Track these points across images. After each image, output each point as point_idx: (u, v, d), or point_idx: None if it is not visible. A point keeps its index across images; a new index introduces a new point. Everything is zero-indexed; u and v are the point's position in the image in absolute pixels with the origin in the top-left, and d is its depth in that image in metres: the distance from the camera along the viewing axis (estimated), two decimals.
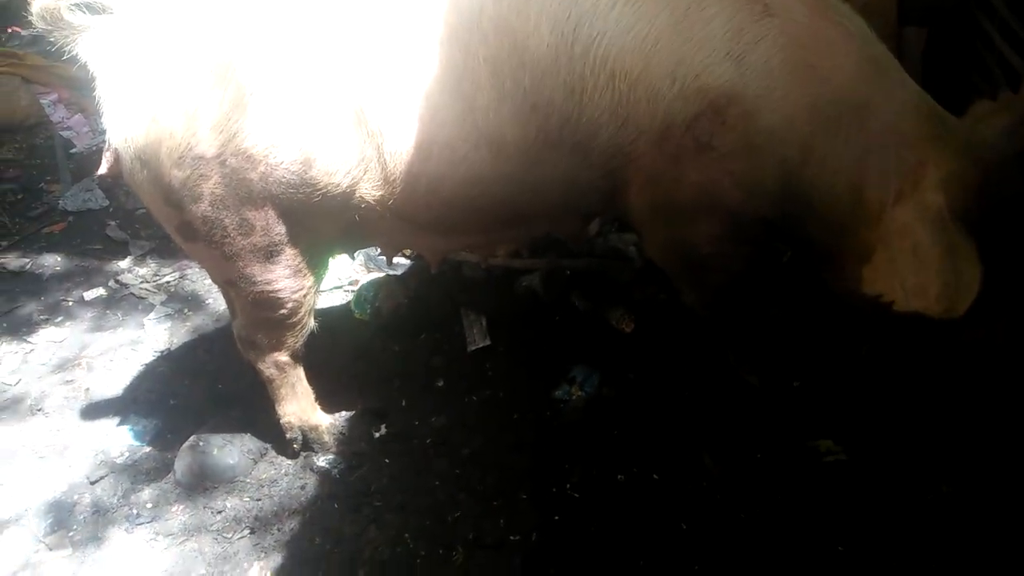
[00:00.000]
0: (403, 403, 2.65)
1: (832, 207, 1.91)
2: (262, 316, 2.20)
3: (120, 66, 1.86)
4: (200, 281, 3.40)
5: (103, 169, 2.02)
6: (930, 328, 1.85)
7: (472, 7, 1.86)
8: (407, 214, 2.09)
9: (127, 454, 2.59)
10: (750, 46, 1.81)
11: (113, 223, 3.79)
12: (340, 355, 2.83)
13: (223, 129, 1.84)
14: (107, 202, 3.93)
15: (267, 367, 2.35)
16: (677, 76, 1.84)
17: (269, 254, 2.04)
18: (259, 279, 2.08)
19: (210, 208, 1.92)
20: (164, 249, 3.60)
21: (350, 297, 3.12)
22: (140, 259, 3.57)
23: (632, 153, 1.95)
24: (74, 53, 1.88)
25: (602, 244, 3.06)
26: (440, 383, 2.71)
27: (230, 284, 2.18)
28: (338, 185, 1.95)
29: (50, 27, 1.85)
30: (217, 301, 3.26)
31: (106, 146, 1.99)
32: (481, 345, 2.79)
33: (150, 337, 3.11)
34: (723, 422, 2.40)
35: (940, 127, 1.85)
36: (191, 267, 3.47)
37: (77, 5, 1.85)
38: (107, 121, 1.89)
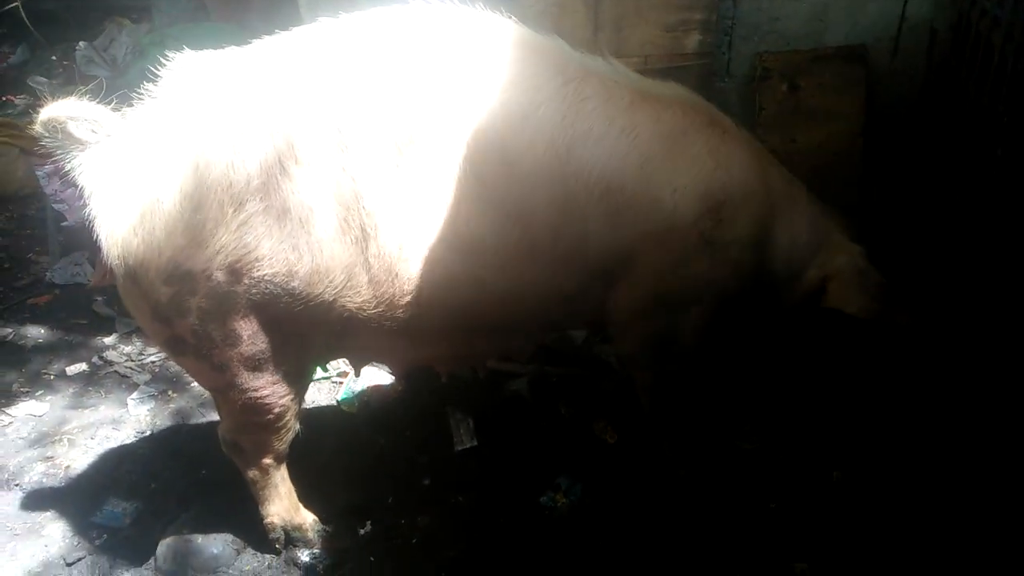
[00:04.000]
0: (389, 500, 2.67)
1: (771, 272, 2.37)
2: (249, 421, 2.22)
3: (110, 186, 1.90)
4: None
5: (96, 279, 2.06)
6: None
7: (462, 119, 1.99)
8: (386, 317, 2.13)
9: (106, 536, 2.55)
10: (729, 158, 2.19)
11: (100, 299, 3.80)
12: (326, 447, 2.85)
13: (208, 246, 1.88)
14: None
15: (251, 469, 2.37)
16: (677, 187, 2.12)
17: (257, 362, 2.07)
18: (248, 387, 2.10)
19: (198, 322, 1.95)
20: None
21: (338, 388, 3.17)
22: (126, 337, 3.57)
23: (630, 255, 2.15)
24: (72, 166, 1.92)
25: (587, 354, 3.19)
26: (426, 481, 2.74)
27: (218, 392, 2.22)
28: (321, 294, 2.00)
29: (51, 138, 1.89)
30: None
31: (100, 258, 1.98)
32: (468, 446, 2.85)
33: (132, 417, 3.10)
34: (705, 539, 2.48)
35: (834, 215, 2.45)
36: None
37: (83, 120, 1.90)
38: (100, 238, 1.91)
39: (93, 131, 1.92)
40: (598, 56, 2.20)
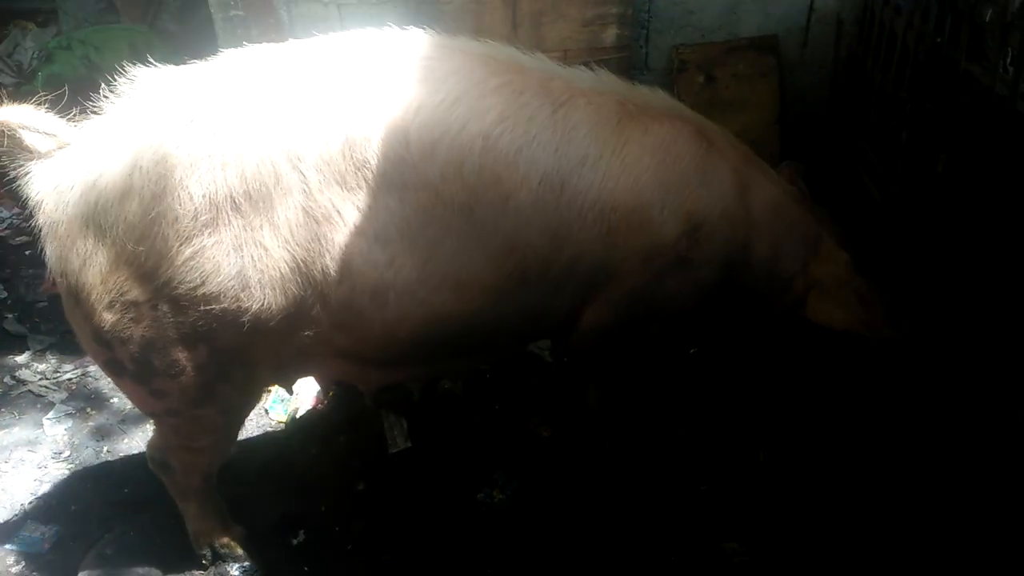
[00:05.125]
0: (322, 508, 2.63)
1: (753, 284, 2.38)
2: (183, 444, 2.16)
3: (57, 201, 1.83)
4: (103, 379, 3.28)
5: (46, 287, 2.00)
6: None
7: (451, 157, 1.90)
8: (355, 353, 2.08)
9: (24, 563, 2.44)
10: (711, 175, 2.18)
11: (11, 316, 3.62)
12: (256, 457, 2.79)
13: (152, 278, 1.81)
14: (5, 294, 3.76)
15: (179, 488, 2.31)
16: (666, 204, 2.11)
17: (199, 393, 1.99)
18: (187, 414, 2.04)
19: (139, 350, 1.88)
20: (65, 344, 3.47)
21: (266, 397, 3.10)
22: (39, 354, 3.42)
23: (617, 272, 2.15)
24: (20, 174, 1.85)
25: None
26: (360, 486, 2.71)
27: (155, 416, 2.14)
28: (273, 329, 1.92)
29: (2, 145, 1.81)
30: (121, 400, 3.16)
31: (49, 270, 1.92)
32: (402, 447, 2.82)
33: (48, 437, 2.98)
34: (639, 523, 2.51)
35: (814, 210, 2.44)
36: (94, 363, 3.36)
37: (37, 130, 1.83)
38: (47, 253, 1.86)
39: (45, 142, 1.84)
40: (581, 68, 2.17)
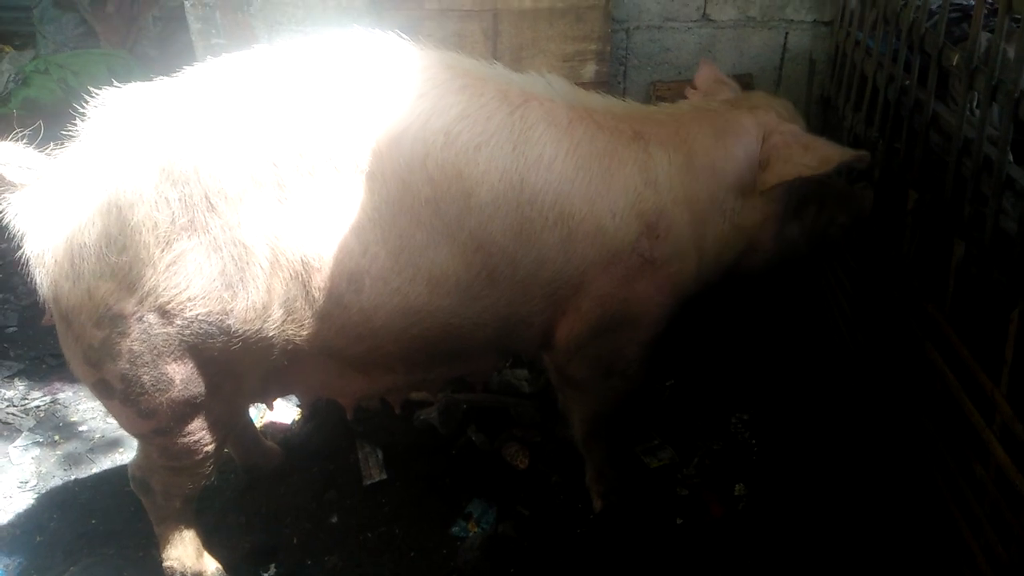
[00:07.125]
0: (294, 540, 2.59)
1: (725, 227, 2.29)
2: (168, 465, 2.15)
3: (40, 229, 1.88)
4: (73, 406, 3.24)
5: (46, 319, 2.01)
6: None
7: (415, 149, 1.96)
8: (336, 348, 2.10)
9: None
10: (655, 171, 2.19)
11: None
12: (227, 488, 2.75)
13: (137, 288, 1.85)
14: None
15: (157, 510, 2.28)
16: (615, 211, 2.13)
17: (188, 409, 2.01)
18: (175, 432, 2.04)
19: (128, 366, 1.90)
20: (34, 371, 3.41)
21: None
22: (7, 381, 3.36)
23: (579, 282, 2.17)
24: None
25: (497, 379, 3.19)
26: (334, 519, 2.67)
27: (143, 438, 2.14)
28: (259, 330, 1.95)
29: None
30: (91, 428, 3.12)
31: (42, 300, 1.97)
32: (377, 479, 2.80)
33: (15, 466, 2.92)
34: (615, 559, 2.50)
35: (764, 103, 2.39)
36: (64, 391, 3.31)
37: (14, 164, 1.89)
38: (38, 283, 1.90)
39: (23, 174, 1.90)
40: (533, 74, 2.22)
